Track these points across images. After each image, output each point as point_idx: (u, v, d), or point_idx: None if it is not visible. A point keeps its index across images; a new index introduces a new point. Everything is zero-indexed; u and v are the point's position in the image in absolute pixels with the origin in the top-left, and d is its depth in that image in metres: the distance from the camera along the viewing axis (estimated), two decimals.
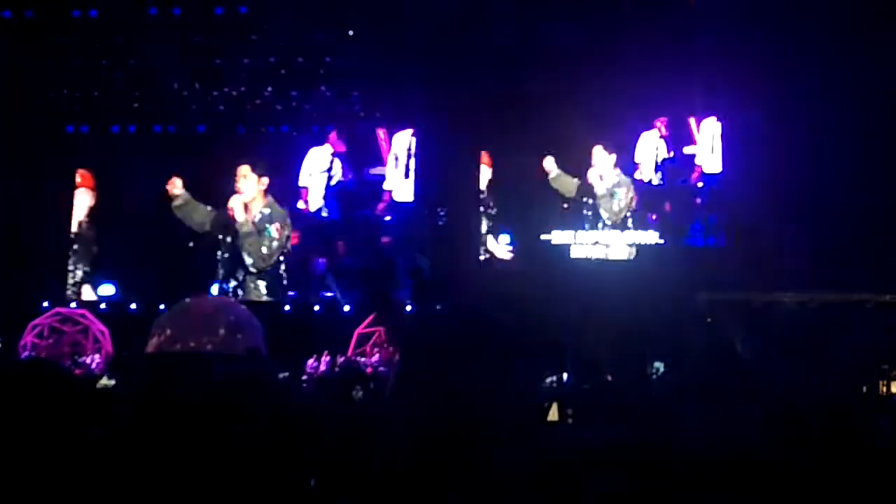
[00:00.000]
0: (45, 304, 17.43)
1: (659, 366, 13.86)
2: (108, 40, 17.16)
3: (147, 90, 17.92)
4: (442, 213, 17.08)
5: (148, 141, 18.39)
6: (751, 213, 15.14)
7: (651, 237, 16.81)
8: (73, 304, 17.73)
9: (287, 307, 17.38)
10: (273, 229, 17.47)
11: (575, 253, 16.76)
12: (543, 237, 16.81)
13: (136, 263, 17.74)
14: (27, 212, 17.25)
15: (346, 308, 17.28)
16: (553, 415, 4.83)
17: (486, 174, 17.34)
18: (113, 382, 9.11)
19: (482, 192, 17.27)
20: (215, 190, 17.42)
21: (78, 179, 18.78)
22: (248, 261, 17.47)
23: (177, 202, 17.50)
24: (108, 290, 18.27)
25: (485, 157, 17.30)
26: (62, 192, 18.50)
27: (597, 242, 16.81)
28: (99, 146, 18.63)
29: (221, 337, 15.41)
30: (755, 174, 15.30)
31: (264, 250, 17.45)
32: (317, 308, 17.67)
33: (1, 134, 16.89)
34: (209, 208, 17.52)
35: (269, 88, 17.79)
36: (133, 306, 17.88)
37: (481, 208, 17.25)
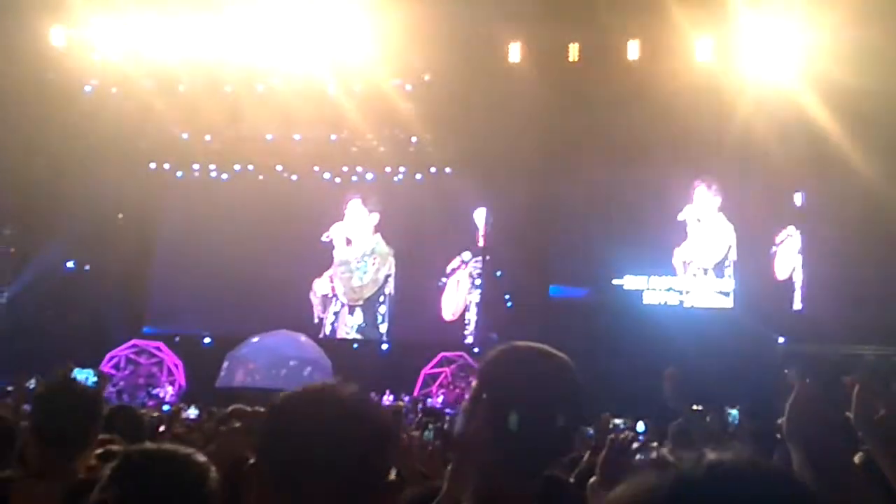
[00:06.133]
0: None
1: (734, 413, 13.49)
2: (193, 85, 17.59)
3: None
4: None
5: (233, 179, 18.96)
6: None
7: (727, 285, 16.46)
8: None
9: (385, 346, 17.69)
10: (370, 263, 17.68)
11: (648, 299, 16.46)
12: (615, 282, 16.58)
13: (212, 299, 18.05)
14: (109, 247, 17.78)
15: None
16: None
17: None
18: (196, 412, 9.22)
19: None
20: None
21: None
22: (340, 290, 17.76)
23: None
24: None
25: None
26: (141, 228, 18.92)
27: (671, 289, 16.47)
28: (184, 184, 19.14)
29: (289, 371, 15.67)
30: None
31: (355, 283, 17.65)
32: (385, 347, 17.76)
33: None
34: None
35: None
36: (207, 340, 18.15)
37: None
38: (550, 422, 2.01)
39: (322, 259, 18.28)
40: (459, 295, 17.93)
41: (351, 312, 17.90)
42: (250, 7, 15.94)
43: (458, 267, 17.97)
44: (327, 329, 18.19)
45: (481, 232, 17.99)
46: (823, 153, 15.04)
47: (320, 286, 18.33)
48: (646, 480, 1.14)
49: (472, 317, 17.90)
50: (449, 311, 17.99)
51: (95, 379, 15.14)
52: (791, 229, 16.79)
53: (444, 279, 17.99)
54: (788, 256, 16.81)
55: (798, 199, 16.74)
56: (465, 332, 17.88)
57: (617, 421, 11.11)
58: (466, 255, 18.00)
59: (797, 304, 16.64)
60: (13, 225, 17.93)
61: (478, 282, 17.68)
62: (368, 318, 17.86)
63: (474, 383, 2.14)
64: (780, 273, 16.80)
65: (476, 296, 17.93)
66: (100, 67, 17.22)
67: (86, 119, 17.37)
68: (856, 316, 14.48)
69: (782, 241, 16.91)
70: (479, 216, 17.99)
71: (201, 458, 1.99)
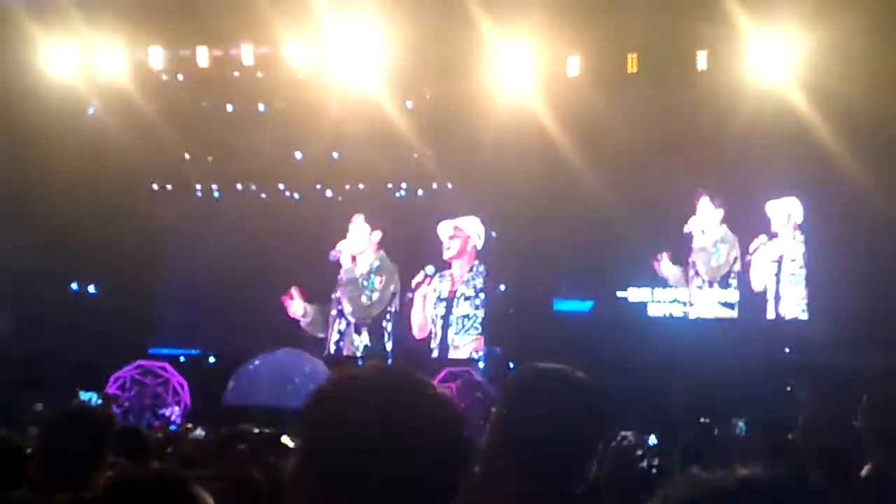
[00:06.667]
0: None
1: (741, 425, 13.44)
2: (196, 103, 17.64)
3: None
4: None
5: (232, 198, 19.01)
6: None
7: (732, 295, 16.42)
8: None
9: (390, 362, 17.48)
10: (376, 281, 17.54)
11: (653, 311, 16.43)
12: (620, 294, 16.55)
13: (217, 319, 17.98)
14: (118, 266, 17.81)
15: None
16: None
17: None
18: (203, 433, 9.17)
19: None
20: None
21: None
22: (348, 309, 17.63)
23: None
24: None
25: None
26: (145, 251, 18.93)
27: (675, 300, 16.45)
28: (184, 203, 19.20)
29: (294, 388, 15.66)
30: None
31: (364, 301, 17.53)
32: (389, 363, 17.67)
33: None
34: None
35: None
36: (211, 359, 18.17)
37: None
38: (574, 441, 2.08)
39: (327, 277, 18.24)
40: (427, 310, 17.59)
41: (358, 332, 17.80)
42: (250, 25, 15.96)
43: (423, 281, 17.58)
44: (331, 347, 18.16)
45: (446, 245, 17.69)
46: (823, 162, 15.07)
47: (297, 306, 18.12)
48: (678, 493, 1.13)
49: (437, 331, 17.62)
50: (416, 328, 17.69)
51: (100, 401, 15.15)
52: (763, 237, 16.62)
53: (409, 294, 17.73)
54: (763, 265, 16.73)
55: (792, 206, 16.60)
56: (432, 347, 17.63)
57: (626, 433, 11.04)
58: (430, 268, 17.60)
59: (772, 314, 16.58)
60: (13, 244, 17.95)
61: (481, 296, 17.58)
62: (375, 338, 17.79)
63: (497, 402, 2.16)
64: (756, 284, 16.62)
65: (441, 309, 17.57)
66: (102, 89, 17.24)
67: (89, 141, 17.42)
68: (859, 324, 14.40)
69: (755, 250, 16.76)
70: (444, 229, 17.72)
71: (193, 484, 1.86)
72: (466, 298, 17.59)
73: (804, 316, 16.46)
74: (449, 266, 17.77)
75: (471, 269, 17.72)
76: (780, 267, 16.60)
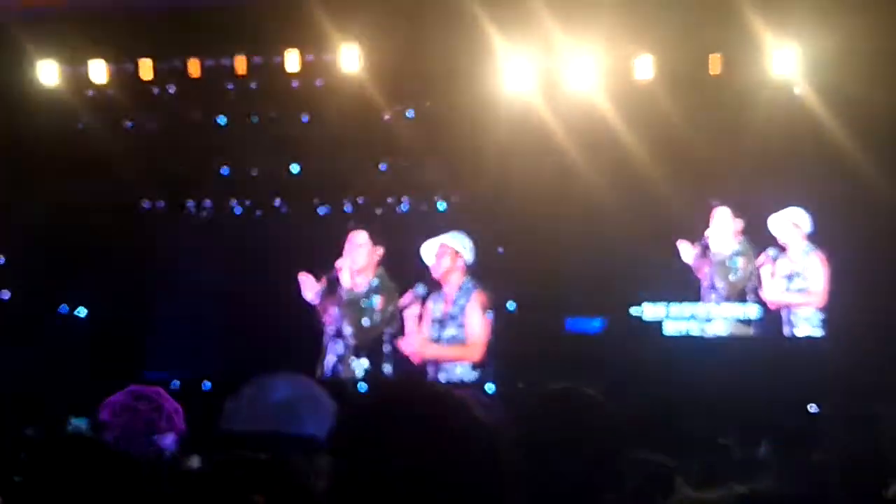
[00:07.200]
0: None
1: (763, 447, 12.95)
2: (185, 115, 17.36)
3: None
4: None
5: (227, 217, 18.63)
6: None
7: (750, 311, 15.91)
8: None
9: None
10: (377, 301, 16.94)
11: (669, 329, 15.91)
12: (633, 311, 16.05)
13: (211, 342, 17.63)
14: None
15: None
16: None
17: None
18: (199, 462, 8.62)
19: None
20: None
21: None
22: (348, 331, 17.04)
23: None
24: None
25: None
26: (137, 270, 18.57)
27: (692, 316, 15.92)
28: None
29: (290, 413, 15.11)
30: None
31: (365, 322, 16.94)
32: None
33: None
34: None
35: None
36: (206, 384, 17.71)
37: None
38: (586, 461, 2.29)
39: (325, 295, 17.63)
40: (423, 333, 16.85)
41: (357, 355, 17.00)
42: (243, 35, 15.80)
43: (412, 303, 16.92)
44: (328, 370, 17.50)
45: (435, 263, 16.92)
46: (834, 169, 14.80)
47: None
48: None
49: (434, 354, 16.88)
50: (409, 352, 16.99)
51: (91, 427, 14.65)
52: (772, 251, 16.15)
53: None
54: (772, 281, 16.23)
55: (799, 217, 16.18)
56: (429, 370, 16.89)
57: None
58: (421, 288, 16.86)
59: (787, 330, 16.08)
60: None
61: (489, 314, 16.91)
62: (374, 361, 16.99)
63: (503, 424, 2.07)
64: (768, 300, 16.19)
65: (435, 332, 16.78)
66: (92, 104, 16.92)
67: (78, 158, 17.05)
68: (880, 339, 14.05)
69: (762, 265, 16.11)
70: (429, 248, 17.03)
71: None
72: (452, 318, 16.68)
73: (819, 332, 15.99)
74: (441, 285, 16.99)
75: (460, 288, 16.92)
76: (790, 281, 16.07)
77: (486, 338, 16.38)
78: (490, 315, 16.49)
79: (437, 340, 16.93)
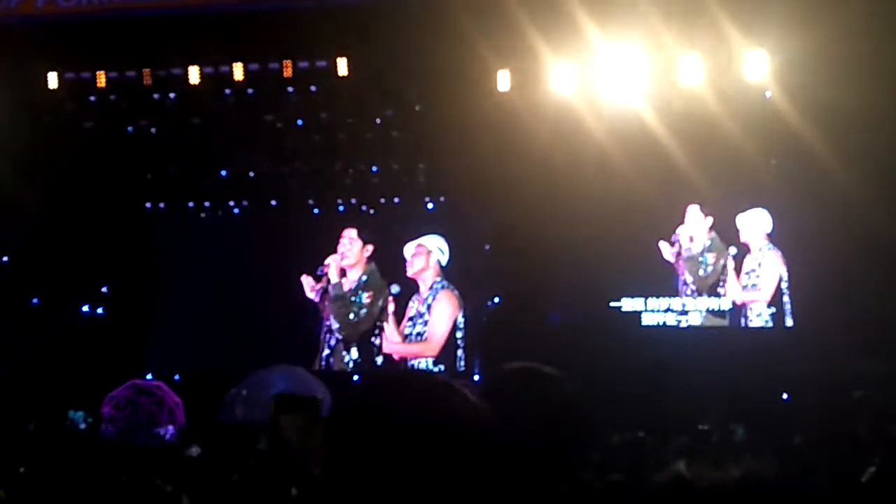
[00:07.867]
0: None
1: (741, 431, 13.44)
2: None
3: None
4: None
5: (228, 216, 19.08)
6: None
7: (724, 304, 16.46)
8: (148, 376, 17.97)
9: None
10: (364, 297, 17.35)
11: (646, 320, 16.45)
12: (613, 304, 16.57)
13: (211, 337, 18.02)
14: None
15: None
16: None
17: None
18: (199, 451, 9.16)
19: None
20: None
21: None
22: (335, 326, 17.43)
23: None
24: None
25: None
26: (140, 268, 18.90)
27: (669, 309, 16.45)
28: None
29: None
30: None
31: (352, 317, 17.33)
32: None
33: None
34: None
35: None
36: (205, 377, 18.00)
37: None
38: (549, 438, 2.11)
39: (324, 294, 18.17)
40: (400, 331, 17.41)
41: (347, 349, 17.62)
42: (241, 42, 16.02)
43: (387, 303, 17.30)
44: (322, 363, 18.04)
45: (409, 262, 17.45)
46: (800, 168, 15.21)
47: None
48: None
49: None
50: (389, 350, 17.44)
51: (90, 419, 15.13)
52: (732, 249, 16.66)
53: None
54: (734, 277, 16.69)
55: (761, 218, 16.55)
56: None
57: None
58: (395, 288, 17.36)
59: (756, 322, 16.59)
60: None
61: (461, 313, 17.49)
62: (364, 354, 17.59)
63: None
64: (732, 295, 16.54)
65: (408, 329, 17.42)
66: (97, 108, 17.21)
67: (82, 160, 17.45)
68: (846, 331, 14.38)
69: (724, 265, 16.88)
70: (408, 250, 17.61)
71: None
72: (420, 315, 17.39)
73: (789, 323, 16.49)
74: (416, 284, 17.65)
75: (431, 287, 17.55)
76: (748, 277, 16.60)
77: (446, 336, 17.09)
78: (461, 313, 17.01)
79: (408, 336, 17.67)
